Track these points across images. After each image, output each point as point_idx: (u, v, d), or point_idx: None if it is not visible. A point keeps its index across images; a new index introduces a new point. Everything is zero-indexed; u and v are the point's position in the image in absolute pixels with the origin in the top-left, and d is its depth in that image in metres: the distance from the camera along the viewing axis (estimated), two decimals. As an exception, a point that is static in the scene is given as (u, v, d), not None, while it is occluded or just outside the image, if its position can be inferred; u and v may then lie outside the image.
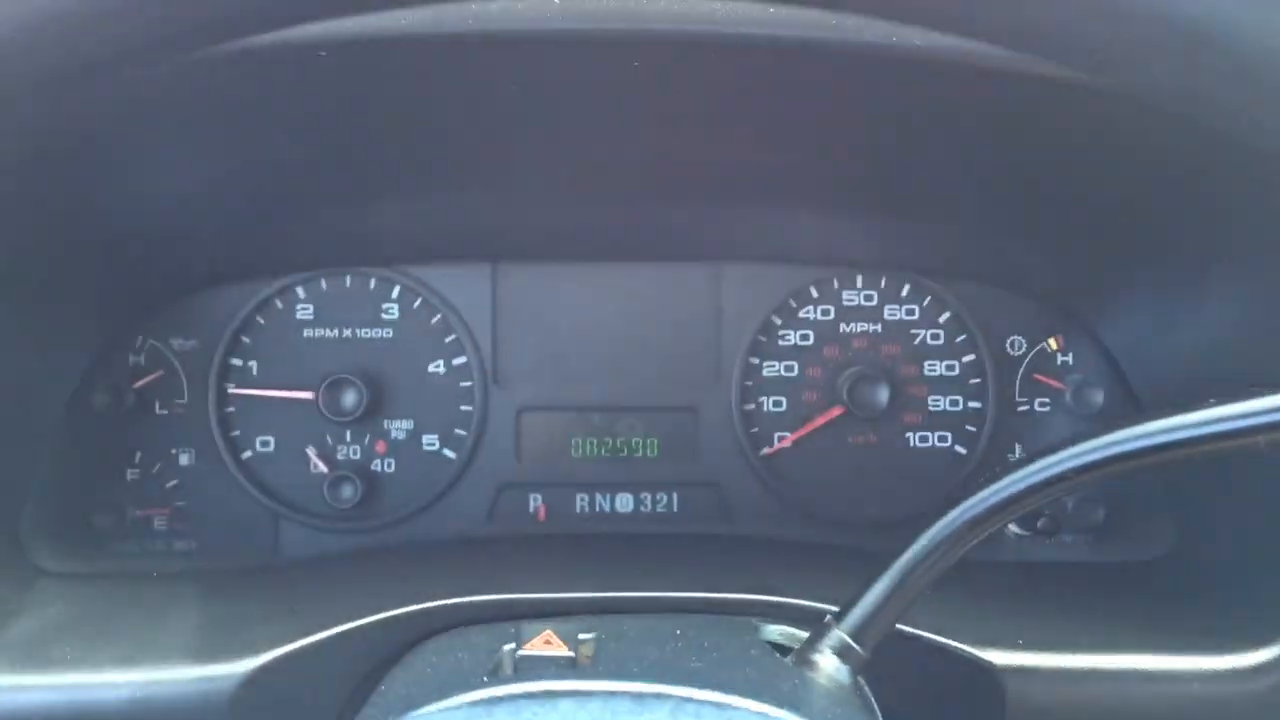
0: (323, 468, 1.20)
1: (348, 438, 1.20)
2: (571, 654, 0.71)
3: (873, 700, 0.76)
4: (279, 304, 1.20)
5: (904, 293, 1.22)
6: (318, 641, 0.87)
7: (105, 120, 0.86)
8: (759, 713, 0.52)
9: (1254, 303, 0.97)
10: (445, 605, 0.88)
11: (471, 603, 0.87)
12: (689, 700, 0.52)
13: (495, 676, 0.70)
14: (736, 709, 0.51)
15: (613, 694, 0.50)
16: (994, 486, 0.73)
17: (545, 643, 0.72)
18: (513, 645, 0.74)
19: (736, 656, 0.74)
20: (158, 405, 1.19)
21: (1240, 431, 0.65)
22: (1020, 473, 0.73)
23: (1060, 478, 0.72)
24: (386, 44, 0.83)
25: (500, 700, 0.51)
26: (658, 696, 0.51)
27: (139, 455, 1.19)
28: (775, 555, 1.14)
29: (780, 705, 0.58)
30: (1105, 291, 1.16)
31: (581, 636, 0.74)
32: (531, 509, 1.22)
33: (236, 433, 1.20)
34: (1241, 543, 1.02)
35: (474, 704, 0.50)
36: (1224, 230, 0.95)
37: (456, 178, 1.11)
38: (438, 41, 0.83)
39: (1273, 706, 0.87)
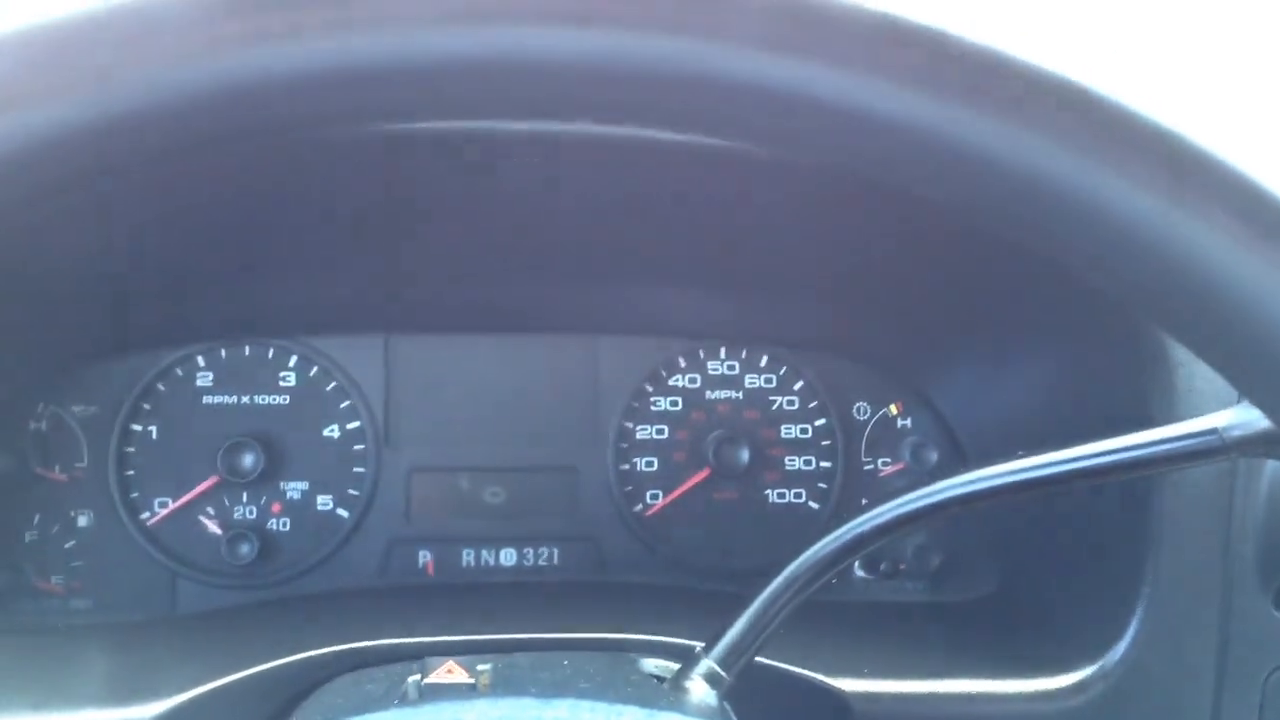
0: (217, 530, 1.25)
1: (244, 498, 1.26)
2: (472, 681, 0.80)
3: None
4: (179, 372, 1.26)
5: (763, 363, 1.35)
6: (226, 684, 0.93)
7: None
8: (646, 716, 0.62)
9: (1059, 369, 1.12)
10: (349, 649, 0.95)
11: (373, 646, 0.95)
12: (585, 706, 0.61)
13: (404, 701, 0.78)
14: (626, 712, 0.61)
15: (518, 703, 0.59)
16: (834, 534, 0.86)
17: (448, 672, 0.81)
18: (418, 676, 0.82)
19: (619, 681, 0.84)
20: (58, 469, 1.23)
21: (1000, 489, 0.81)
22: (855, 522, 0.86)
23: (885, 527, 0.86)
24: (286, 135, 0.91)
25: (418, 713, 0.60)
26: (557, 705, 0.60)
27: (38, 518, 1.23)
28: (649, 600, 1.24)
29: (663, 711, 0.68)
30: (936, 362, 1.31)
31: (479, 667, 0.83)
32: (420, 563, 1.29)
33: (135, 495, 1.25)
34: (1055, 583, 1.16)
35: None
36: (1031, 306, 1.10)
37: (352, 256, 1.19)
38: (333, 133, 0.93)
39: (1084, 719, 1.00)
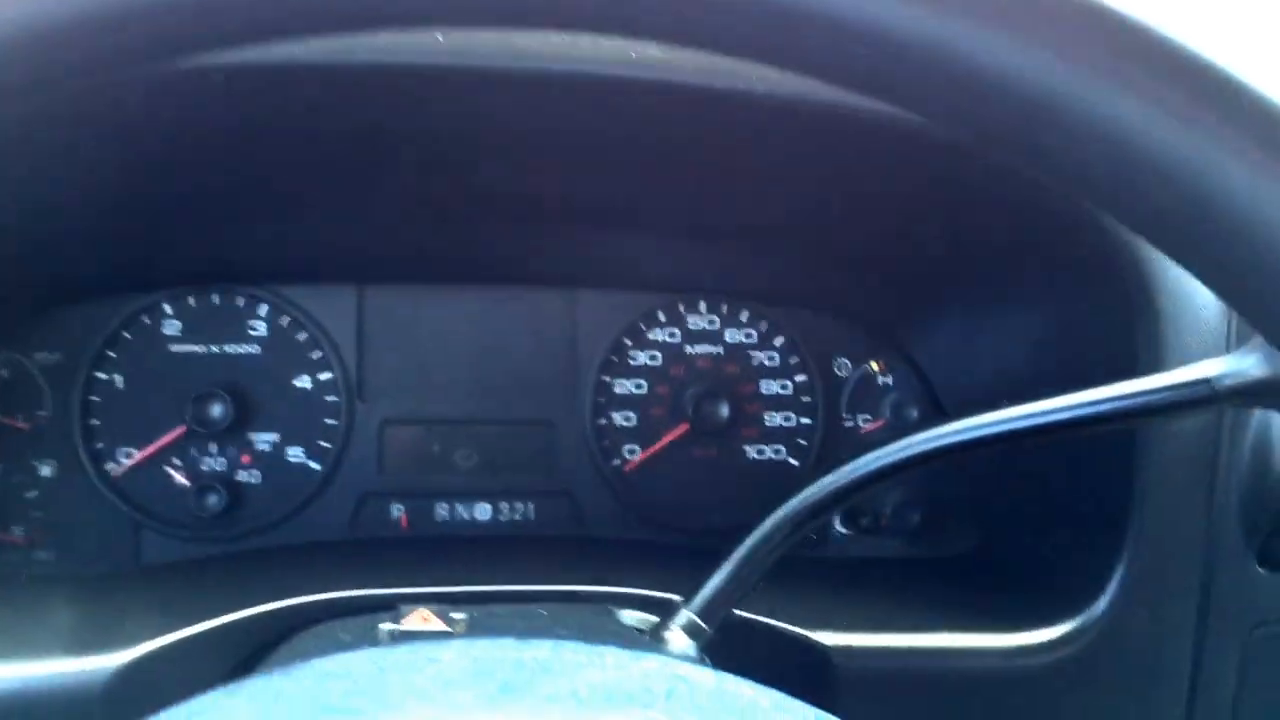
0: (184, 481, 1.23)
1: (213, 450, 1.24)
2: (448, 629, 0.78)
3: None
4: (146, 319, 1.23)
5: (743, 318, 1.33)
6: (192, 635, 0.91)
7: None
8: (629, 656, 0.60)
9: (1042, 325, 1.11)
10: (321, 599, 0.93)
11: (346, 597, 0.93)
12: (567, 647, 0.59)
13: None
14: (608, 652, 0.59)
15: (496, 643, 0.57)
16: (814, 486, 0.85)
17: (423, 619, 0.79)
18: (391, 624, 0.80)
19: (599, 631, 0.82)
20: (20, 417, 1.20)
21: (983, 440, 0.80)
22: (834, 475, 0.85)
23: (865, 480, 0.85)
24: (261, 72, 0.88)
25: (394, 653, 0.57)
26: (537, 645, 0.58)
27: (-1, 467, 1.20)
28: (626, 554, 1.22)
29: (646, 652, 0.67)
30: (917, 318, 1.29)
31: (455, 615, 0.81)
32: (393, 517, 1.27)
33: (100, 445, 1.22)
34: (1036, 538, 1.16)
35: (371, 659, 0.56)
36: (1013, 261, 1.09)
37: (325, 203, 1.16)
38: (310, 71, 0.90)
39: (1060, 674, 1.00)
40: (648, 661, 0.56)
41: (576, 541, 1.27)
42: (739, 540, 0.85)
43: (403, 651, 0.54)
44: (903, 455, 0.84)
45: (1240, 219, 0.40)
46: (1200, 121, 0.39)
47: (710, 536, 1.28)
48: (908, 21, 0.38)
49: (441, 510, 1.28)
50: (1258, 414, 0.98)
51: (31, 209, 1.04)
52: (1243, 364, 0.75)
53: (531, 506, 1.29)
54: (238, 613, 0.91)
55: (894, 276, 1.26)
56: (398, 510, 1.27)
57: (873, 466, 0.84)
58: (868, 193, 1.10)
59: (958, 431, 0.82)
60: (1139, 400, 0.78)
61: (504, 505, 1.29)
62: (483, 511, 1.28)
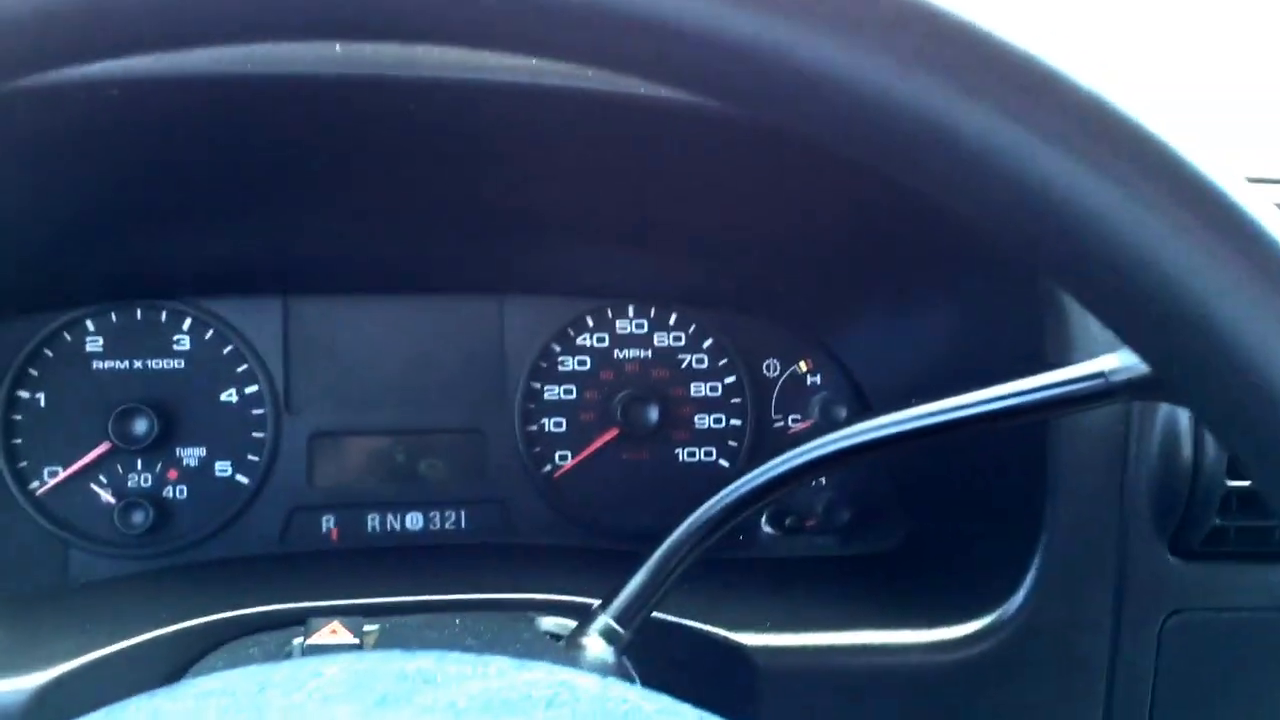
0: (110, 499, 1.22)
1: (139, 466, 1.23)
2: (357, 641, 0.78)
3: (634, 676, 0.86)
4: (68, 336, 1.22)
5: (671, 321, 1.33)
6: (110, 654, 0.90)
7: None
8: (514, 665, 0.60)
9: (958, 320, 1.13)
10: (236, 616, 0.93)
11: (260, 613, 0.93)
12: (451, 658, 0.60)
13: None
14: (493, 661, 0.59)
15: (384, 655, 0.57)
16: (730, 487, 0.86)
17: (331, 633, 0.79)
18: (301, 639, 0.80)
19: (510, 640, 0.83)
20: (-60, 438, 1.19)
21: (892, 438, 0.81)
22: (750, 475, 0.86)
23: (780, 479, 0.86)
24: (180, 84, 0.88)
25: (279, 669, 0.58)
26: (421, 656, 0.59)
27: (-84, 489, 1.18)
28: (556, 561, 1.22)
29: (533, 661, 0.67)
30: (840, 317, 1.30)
31: (366, 628, 0.81)
32: (324, 530, 1.27)
33: (24, 464, 1.21)
34: (958, 533, 1.17)
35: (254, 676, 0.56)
36: (928, 259, 1.10)
37: (246, 215, 1.16)
38: (230, 82, 0.89)
39: (979, 668, 1.01)
40: (533, 670, 0.56)
41: (507, 549, 1.27)
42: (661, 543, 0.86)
43: (287, 667, 0.55)
44: (815, 454, 0.85)
45: (1101, 239, 0.41)
46: (1068, 138, 0.40)
47: (643, 540, 1.29)
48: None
49: (372, 521, 1.28)
50: (1164, 406, 0.99)
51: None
52: (1134, 358, 0.76)
53: (463, 515, 1.29)
54: (156, 630, 0.91)
55: (816, 277, 1.27)
56: (328, 522, 1.27)
57: (785, 467, 0.85)
58: (784, 197, 1.11)
59: (867, 430, 0.84)
60: (1038, 395, 0.80)
61: (435, 514, 1.29)
62: (414, 521, 1.28)
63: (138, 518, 1.20)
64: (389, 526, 1.28)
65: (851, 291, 1.25)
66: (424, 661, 0.56)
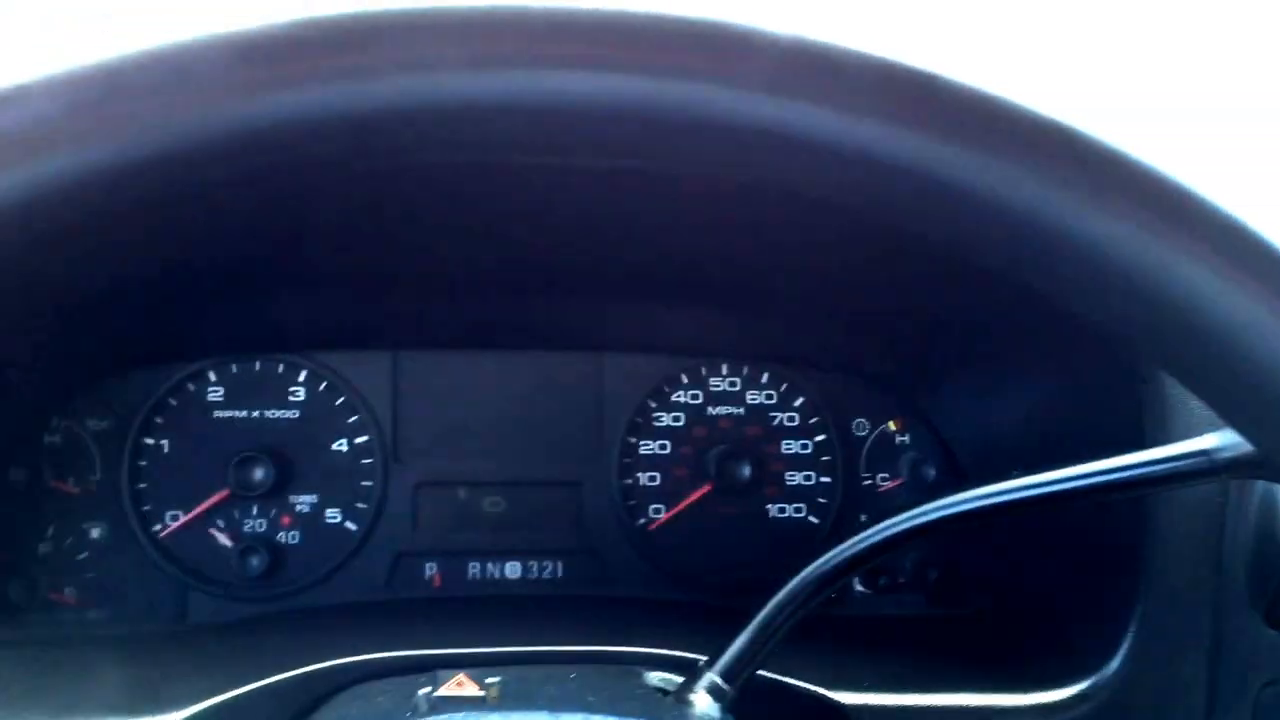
0: (228, 542, 1.28)
1: (255, 511, 1.28)
2: (482, 694, 0.82)
3: None
4: (191, 386, 1.28)
5: (764, 379, 1.37)
6: (238, 696, 0.95)
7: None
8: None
9: (1054, 388, 1.15)
10: (360, 660, 0.97)
11: (384, 658, 0.97)
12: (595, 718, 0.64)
13: (416, 714, 0.80)
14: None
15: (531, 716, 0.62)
16: (837, 549, 0.88)
17: (458, 685, 0.83)
18: (429, 689, 0.84)
19: (625, 694, 0.86)
20: (72, 481, 1.25)
21: (995, 509, 0.83)
22: (856, 539, 0.89)
23: (885, 543, 0.88)
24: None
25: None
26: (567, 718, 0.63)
27: (51, 530, 1.25)
28: (651, 614, 1.26)
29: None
30: (933, 380, 1.33)
31: (488, 680, 0.85)
32: (427, 576, 1.31)
33: (148, 508, 1.27)
34: (1050, 598, 1.18)
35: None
36: (1025, 328, 1.12)
37: (362, 274, 1.22)
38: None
39: (1075, 734, 1.02)
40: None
41: (602, 601, 1.31)
42: (762, 601, 0.89)
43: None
44: (920, 521, 0.87)
45: (1213, 333, 0.44)
46: (1175, 236, 0.44)
47: (734, 594, 1.32)
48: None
49: (473, 569, 1.32)
50: (1261, 482, 1.01)
51: (84, 285, 1.09)
52: (1238, 438, 0.78)
53: (560, 565, 1.33)
54: (279, 675, 0.95)
55: (910, 340, 1.30)
56: (431, 569, 1.31)
57: (892, 531, 0.87)
58: (880, 262, 1.14)
59: (971, 499, 0.86)
60: (1142, 471, 0.82)
61: (533, 564, 1.33)
62: (513, 570, 1.33)
63: (254, 561, 1.25)
64: (489, 574, 1.32)
65: (944, 356, 1.28)
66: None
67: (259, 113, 0.43)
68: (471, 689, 0.82)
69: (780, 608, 0.90)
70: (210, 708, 0.94)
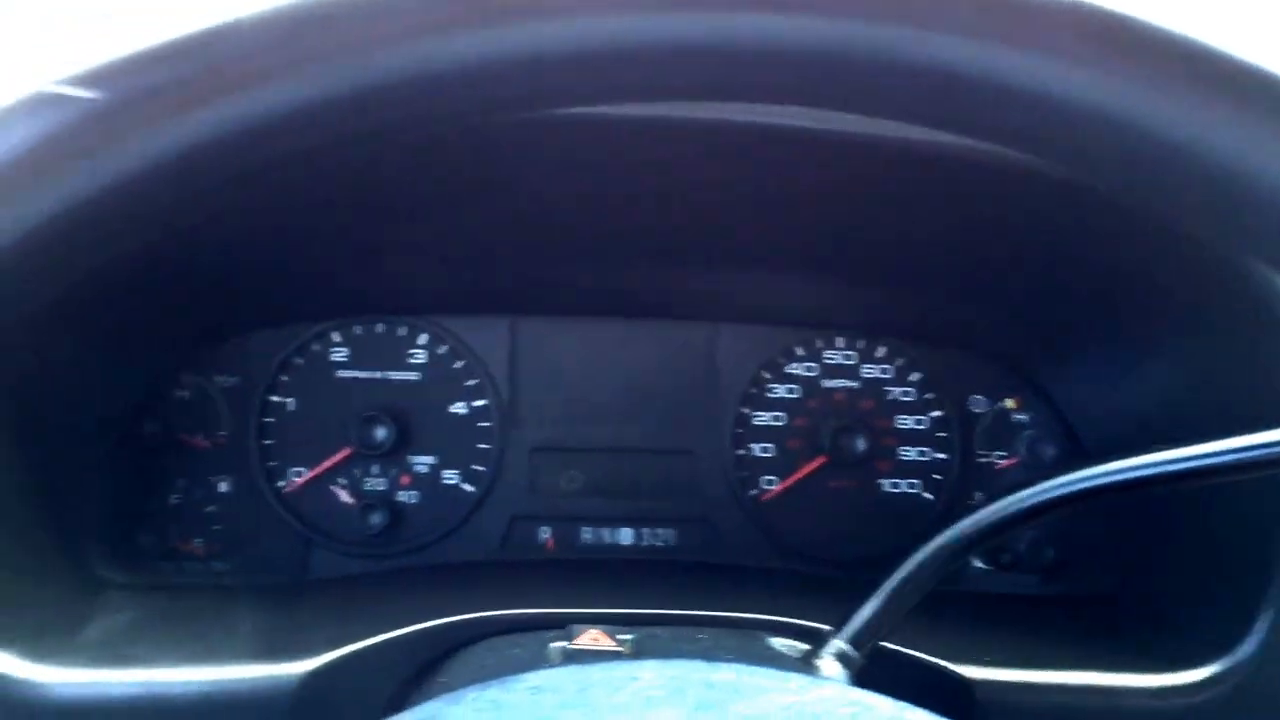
0: (350, 499, 1.30)
1: (375, 470, 1.31)
2: (619, 649, 0.83)
3: None
4: (316, 347, 1.31)
5: (880, 353, 1.36)
6: (373, 645, 0.97)
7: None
8: (811, 681, 0.64)
9: (1188, 367, 1.12)
10: (490, 616, 0.99)
11: (513, 614, 0.99)
12: (746, 670, 0.63)
13: (551, 665, 0.81)
14: (791, 678, 0.63)
15: (685, 665, 0.62)
16: (974, 517, 0.87)
17: (593, 639, 0.84)
18: (562, 642, 0.85)
19: (756, 656, 0.86)
20: (201, 436, 1.29)
21: (1131, 483, 0.81)
22: (989, 509, 0.87)
23: (1030, 511, 0.86)
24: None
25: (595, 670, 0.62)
26: (722, 669, 0.62)
27: (181, 482, 1.29)
28: (763, 582, 1.26)
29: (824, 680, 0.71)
30: (1056, 356, 1.31)
31: (621, 636, 0.86)
32: (540, 539, 1.33)
33: (273, 464, 1.30)
34: (1178, 579, 1.16)
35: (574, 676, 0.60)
36: (1161, 302, 1.10)
37: (484, 240, 1.23)
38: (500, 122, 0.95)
39: (1207, 716, 1.00)
40: (827, 688, 0.60)
41: (714, 568, 1.31)
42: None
43: (601, 669, 0.59)
44: (1059, 493, 0.85)
45: None
46: None
47: (844, 567, 1.32)
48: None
49: (586, 534, 1.33)
50: None
51: (216, 246, 1.12)
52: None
53: (672, 533, 1.34)
54: (413, 626, 0.97)
55: (1032, 315, 1.28)
56: (545, 533, 1.33)
57: (1029, 502, 0.85)
58: (1005, 233, 1.13)
59: (1117, 470, 0.83)
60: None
61: (645, 531, 1.34)
62: (625, 536, 1.34)
63: (375, 519, 1.28)
64: (601, 539, 1.33)
65: (1068, 331, 1.26)
66: (726, 673, 0.60)
67: (448, 51, 0.43)
68: (607, 643, 0.83)
69: (910, 576, 0.89)
70: (342, 656, 0.97)
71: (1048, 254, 1.15)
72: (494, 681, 0.58)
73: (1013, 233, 1.13)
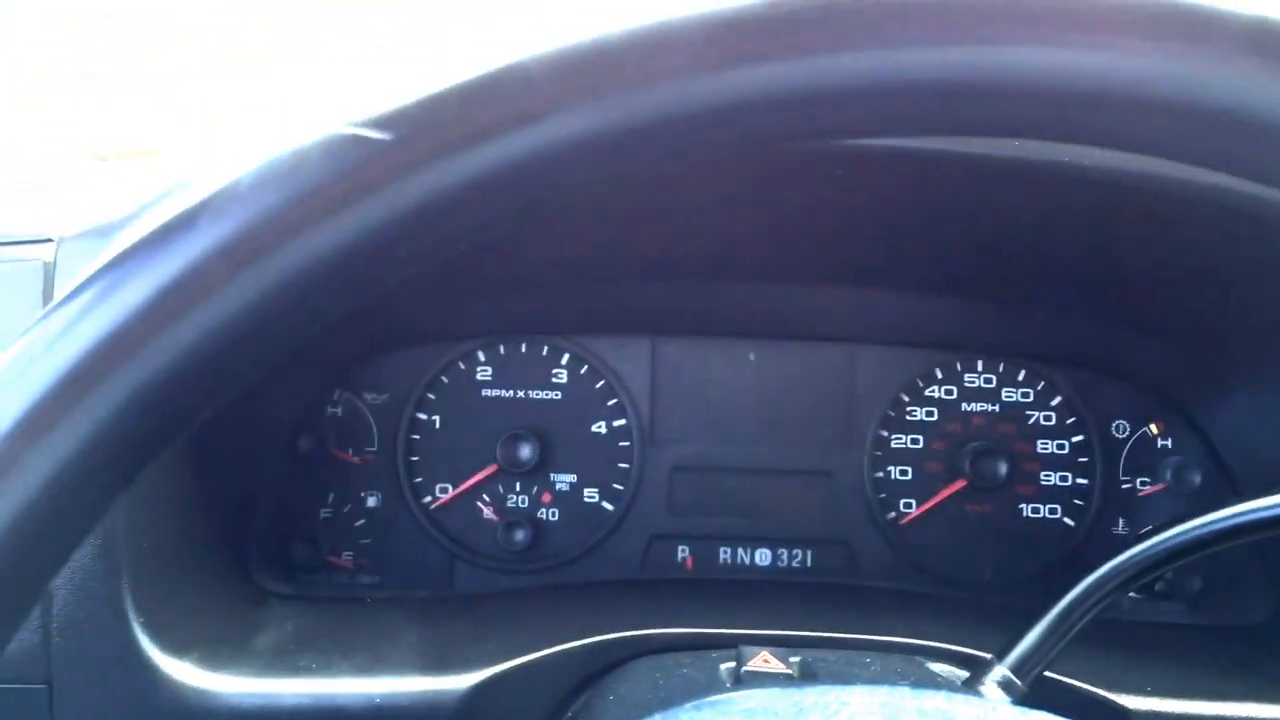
0: (493, 516, 1.33)
1: (518, 488, 1.34)
2: (790, 672, 0.83)
3: None
4: (461, 365, 1.34)
5: (1020, 377, 1.35)
6: (536, 659, 0.99)
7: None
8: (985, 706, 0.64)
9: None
10: (657, 634, 1.00)
11: (676, 633, 1.00)
12: (955, 695, 0.64)
13: (721, 687, 0.82)
14: (985, 703, 0.63)
15: (897, 687, 0.62)
16: (1143, 545, 0.86)
17: (764, 661, 0.85)
18: (733, 664, 0.86)
19: (923, 681, 0.87)
20: (351, 452, 1.33)
21: None
22: (1159, 538, 0.86)
23: (1198, 542, 0.85)
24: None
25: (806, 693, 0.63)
26: (930, 692, 0.63)
27: (332, 496, 1.32)
28: (905, 607, 1.25)
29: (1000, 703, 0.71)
30: (1204, 382, 1.29)
31: (791, 659, 0.87)
32: (679, 558, 1.34)
33: (419, 479, 1.33)
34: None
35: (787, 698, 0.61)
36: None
37: (626, 261, 1.25)
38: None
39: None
40: (1035, 715, 0.60)
41: (852, 590, 1.31)
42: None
43: (814, 692, 0.60)
44: (1229, 524, 0.85)
45: None
46: None
47: (984, 591, 1.31)
48: None
49: (724, 554, 1.34)
50: None
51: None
52: None
53: (809, 554, 1.34)
54: (576, 641, 0.99)
55: (1178, 340, 1.27)
56: (683, 552, 1.34)
57: (1199, 533, 0.85)
58: (1152, 255, 1.12)
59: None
60: None
61: (783, 551, 1.34)
62: (763, 557, 1.34)
63: (519, 536, 1.30)
64: (739, 560, 1.34)
65: (1219, 358, 1.24)
66: (935, 700, 0.61)
67: (722, 87, 0.44)
68: (778, 666, 0.84)
69: (1074, 605, 0.89)
70: (506, 670, 0.99)
71: (1194, 278, 1.14)
72: (706, 701, 0.59)
73: (1158, 255, 1.11)
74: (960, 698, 0.63)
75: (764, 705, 0.59)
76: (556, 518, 1.34)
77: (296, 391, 1.29)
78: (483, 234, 0.47)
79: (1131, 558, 0.88)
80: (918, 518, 1.34)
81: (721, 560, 1.34)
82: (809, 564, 1.34)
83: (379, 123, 0.44)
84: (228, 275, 0.43)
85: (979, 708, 0.60)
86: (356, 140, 0.44)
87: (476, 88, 0.44)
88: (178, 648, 0.96)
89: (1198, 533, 0.86)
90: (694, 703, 0.60)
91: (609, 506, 1.34)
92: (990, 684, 0.88)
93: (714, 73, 0.45)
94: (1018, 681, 0.88)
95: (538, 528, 1.32)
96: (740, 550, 1.34)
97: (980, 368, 1.35)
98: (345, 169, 0.44)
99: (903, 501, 1.34)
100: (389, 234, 0.45)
